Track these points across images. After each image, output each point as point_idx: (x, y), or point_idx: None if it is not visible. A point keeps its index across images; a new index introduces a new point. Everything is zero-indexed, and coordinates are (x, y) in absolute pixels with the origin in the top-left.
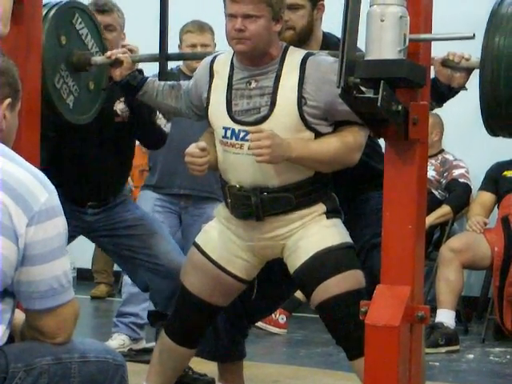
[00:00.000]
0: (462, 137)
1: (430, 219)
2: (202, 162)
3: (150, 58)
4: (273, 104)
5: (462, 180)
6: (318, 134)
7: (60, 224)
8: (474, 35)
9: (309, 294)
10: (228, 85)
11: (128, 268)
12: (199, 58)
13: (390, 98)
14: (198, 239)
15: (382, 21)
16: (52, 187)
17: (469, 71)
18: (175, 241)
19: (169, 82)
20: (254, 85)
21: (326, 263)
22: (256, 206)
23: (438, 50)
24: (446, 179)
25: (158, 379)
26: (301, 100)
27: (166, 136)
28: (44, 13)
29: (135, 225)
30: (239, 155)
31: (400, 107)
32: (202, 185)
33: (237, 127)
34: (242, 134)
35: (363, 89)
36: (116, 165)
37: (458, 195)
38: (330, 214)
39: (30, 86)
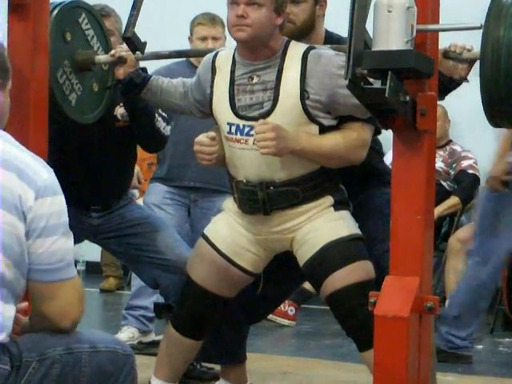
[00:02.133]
0: (470, 128)
1: (439, 210)
2: (210, 150)
3: (154, 56)
4: (276, 99)
5: (470, 171)
6: (323, 128)
7: (62, 202)
8: (481, 25)
9: (318, 286)
10: (230, 80)
11: (137, 267)
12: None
13: (397, 88)
14: (207, 231)
15: (390, 11)
16: (50, 169)
17: (471, 63)
18: (183, 233)
19: (172, 80)
20: (256, 80)
21: (334, 255)
22: (263, 200)
23: (445, 41)
24: (455, 170)
25: (166, 372)
26: (303, 94)
27: (166, 139)
28: (51, 8)
29: (140, 223)
30: (245, 150)
31: (408, 98)
32: (212, 177)
33: (241, 122)
34: (246, 129)
35: (371, 80)
36: (118, 169)
37: (467, 186)
38: (337, 206)
39: (37, 84)
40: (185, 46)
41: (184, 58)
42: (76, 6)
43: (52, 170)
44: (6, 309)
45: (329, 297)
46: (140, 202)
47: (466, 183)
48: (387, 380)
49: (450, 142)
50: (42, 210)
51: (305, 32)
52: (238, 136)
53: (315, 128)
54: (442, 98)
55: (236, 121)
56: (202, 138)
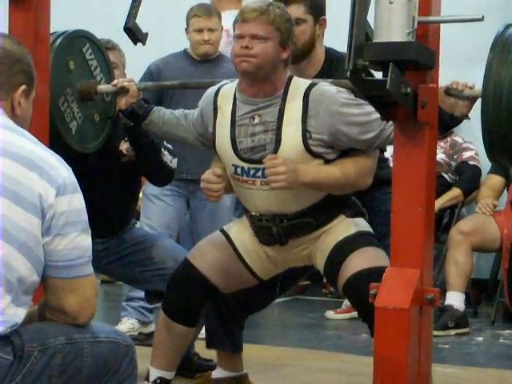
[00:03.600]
0: (471, 120)
1: (440, 202)
2: (217, 188)
3: (156, 86)
4: (278, 141)
5: (471, 162)
6: (326, 161)
7: (81, 200)
8: (482, 17)
9: (335, 281)
10: (231, 122)
11: (143, 285)
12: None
13: (398, 80)
14: (228, 228)
15: (391, 3)
16: (69, 167)
17: (472, 100)
18: (183, 224)
19: (174, 111)
20: (257, 120)
21: (345, 248)
22: (278, 234)
23: (447, 33)
24: (456, 162)
25: (161, 361)
26: (305, 134)
27: (173, 172)
28: (54, 37)
29: (140, 241)
30: (253, 190)
31: (409, 90)
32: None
33: (246, 165)
34: (252, 172)
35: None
36: (122, 202)
37: (468, 178)
38: (351, 216)
39: (38, 77)
40: (183, 37)
41: (182, 49)
42: (80, 35)
43: (70, 168)
44: (10, 306)
45: (344, 287)
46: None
47: (467, 174)
48: (387, 371)
49: (451, 133)
50: (62, 208)
51: (306, 52)
52: (245, 177)
53: (319, 162)
54: (442, 134)
55: (240, 163)
56: (209, 175)
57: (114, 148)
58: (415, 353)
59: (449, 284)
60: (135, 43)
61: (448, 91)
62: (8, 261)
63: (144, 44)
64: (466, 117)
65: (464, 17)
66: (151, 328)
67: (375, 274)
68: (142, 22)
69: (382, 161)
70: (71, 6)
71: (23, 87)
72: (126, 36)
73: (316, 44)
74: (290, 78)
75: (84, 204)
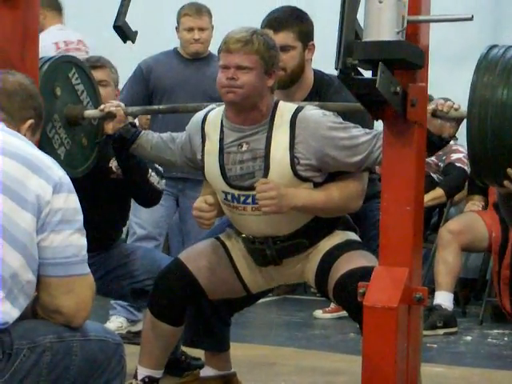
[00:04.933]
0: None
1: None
2: (210, 216)
3: (143, 111)
4: (266, 168)
5: (458, 164)
6: (315, 184)
7: (77, 202)
8: (472, 17)
9: (326, 288)
10: (219, 149)
11: (132, 298)
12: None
13: (388, 79)
14: (224, 238)
15: (381, 2)
16: (64, 170)
17: (458, 121)
18: (173, 223)
19: (162, 135)
20: (245, 147)
21: (333, 254)
22: (272, 256)
23: (437, 32)
24: (444, 163)
25: (148, 360)
26: (293, 160)
27: (161, 193)
28: (41, 63)
29: (127, 254)
30: (244, 215)
31: (398, 89)
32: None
33: (236, 192)
34: (242, 198)
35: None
36: (111, 218)
37: (452, 179)
38: (342, 228)
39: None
40: (173, 36)
41: (171, 48)
42: (66, 60)
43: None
44: (4, 302)
45: (334, 289)
46: None
47: (452, 176)
48: (376, 370)
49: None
50: (58, 205)
51: (295, 78)
52: (235, 204)
53: (309, 185)
54: (430, 155)
55: (230, 190)
56: (201, 204)
57: (104, 165)
58: (404, 352)
59: (438, 283)
60: (125, 41)
61: (434, 113)
62: (2, 256)
63: (134, 42)
64: (454, 137)
65: (453, 16)
66: (139, 326)
67: (364, 273)
68: (132, 20)
69: (370, 181)
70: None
71: (31, 121)
72: (115, 34)
73: (305, 69)
74: (277, 104)
75: (79, 205)
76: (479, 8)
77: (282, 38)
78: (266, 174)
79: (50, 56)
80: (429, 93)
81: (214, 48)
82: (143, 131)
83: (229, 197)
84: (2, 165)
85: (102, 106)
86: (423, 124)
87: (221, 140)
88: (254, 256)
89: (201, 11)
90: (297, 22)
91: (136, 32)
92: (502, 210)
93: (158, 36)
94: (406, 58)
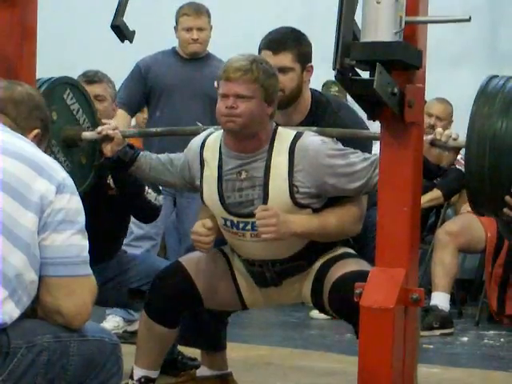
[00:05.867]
0: (460, 122)
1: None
2: (208, 240)
3: (141, 134)
4: (265, 197)
5: (455, 166)
6: (314, 210)
7: (80, 203)
8: (470, 18)
9: (321, 299)
10: (218, 176)
11: (129, 299)
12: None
13: (385, 80)
14: (227, 251)
15: (378, 2)
16: (66, 172)
17: (457, 150)
18: (169, 223)
19: (160, 156)
20: (244, 175)
21: (327, 264)
22: (271, 278)
23: (435, 33)
24: None
25: (144, 360)
26: (292, 188)
27: (159, 209)
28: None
29: (128, 260)
30: (243, 241)
31: (396, 90)
32: None
33: (235, 219)
34: (241, 225)
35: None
36: (110, 233)
37: (450, 180)
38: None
39: (25, 72)
40: (171, 35)
41: (170, 48)
42: (59, 83)
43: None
44: (8, 301)
45: (329, 294)
46: None
47: (449, 177)
48: (372, 370)
49: None
50: (61, 205)
51: (293, 99)
52: (235, 230)
53: (308, 211)
54: (428, 182)
55: (229, 217)
56: (199, 228)
57: (102, 182)
58: (400, 352)
59: (434, 284)
60: (122, 41)
61: (433, 143)
62: (5, 256)
63: (131, 42)
64: (452, 165)
65: (451, 17)
66: (136, 326)
67: (359, 276)
68: (130, 19)
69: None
70: (58, 4)
71: (37, 131)
72: (113, 33)
73: (303, 90)
74: (275, 131)
75: (82, 208)
76: (477, 9)
77: (280, 59)
78: (264, 203)
79: (43, 80)
80: (426, 93)
81: (212, 48)
82: (141, 153)
83: (228, 223)
84: (5, 164)
85: (99, 129)
86: (420, 124)
87: (219, 167)
88: (253, 277)
89: (199, 11)
90: (295, 44)
91: (134, 32)
92: (502, 231)
93: (155, 35)
94: (404, 58)
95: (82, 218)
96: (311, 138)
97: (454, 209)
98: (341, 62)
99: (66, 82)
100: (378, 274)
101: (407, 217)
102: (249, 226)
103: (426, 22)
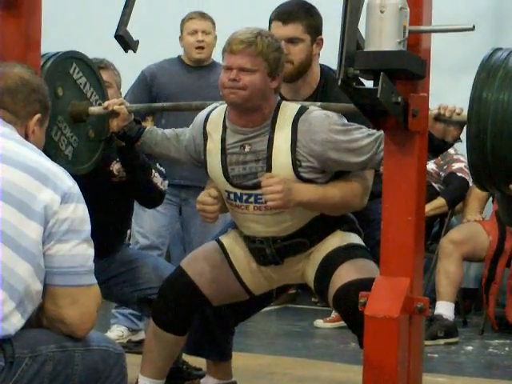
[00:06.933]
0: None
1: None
2: (213, 209)
3: (147, 108)
4: (269, 170)
5: (459, 174)
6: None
7: (85, 211)
8: (473, 27)
9: (326, 295)
10: (222, 149)
11: (138, 307)
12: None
13: (389, 89)
14: (223, 239)
15: (382, 12)
16: (73, 179)
17: (462, 124)
18: (174, 232)
19: (166, 131)
20: (247, 149)
21: (333, 259)
22: (272, 255)
23: (438, 42)
24: (445, 172)
25: (151, 369)
26: (295, 162)
27: (163, 194)
28: (41, 65)
29: (129, 260)
30: (246, 214)
31: (400, 99)
32: (203, 176)
33: (238, 191)
34: (244, 197)
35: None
36: (113, 224)
37: (454, 188)
38: (346, 230)
39: None
40: (176, 45)
41: (176, 56)
42: (65, 57)
43: (75, 180)
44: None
45: (334, 298)
46: None
47: (453, 185)
48: (377, 380)
49: None
50: (66, 214)
51: (302, 72)
52: (238, 203)
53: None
54: (435, 157)
55: (233, 189)
56: (204, 197)
57: (105, 168)
58: (405, 362)
59: (439, 293)
60: (126, 51)
61: (437, 117)
62: (12, 267)
63: (135, 51)
64: (458, 139)
65: (455, 26)
66: (140, 336)
67: (365, 284)
68: (133, 29)
69: (377, 176)
70: (63, 13)
71: (38, 116)
72: (117, 43)
73: (312, 63)
74: (279, 104)
75: (88, 215)
76: (481, 17)
77: (290, 29)
78: None
79: (48, 56)
80: (430, 102)
81: (217, 57)
82: (147, 128)
83: (231, 196)
84: (9, 175)
85: (105, 104)
86: (424, 134)
87: (223, 140)
88: (254, 255)
89: (204, 15)
90: (306, 15)
91: (137, 41)
92: (501, 214)
93: (159, 45)
94: (408, 68)
95: (87, 227)
96: (315, 113)
97: (458, 217)
98: (345, 72)
99: (71, 57)
100: (382, 283)
101: (411, 226)
102: (252, 199)
103: (429, 32)
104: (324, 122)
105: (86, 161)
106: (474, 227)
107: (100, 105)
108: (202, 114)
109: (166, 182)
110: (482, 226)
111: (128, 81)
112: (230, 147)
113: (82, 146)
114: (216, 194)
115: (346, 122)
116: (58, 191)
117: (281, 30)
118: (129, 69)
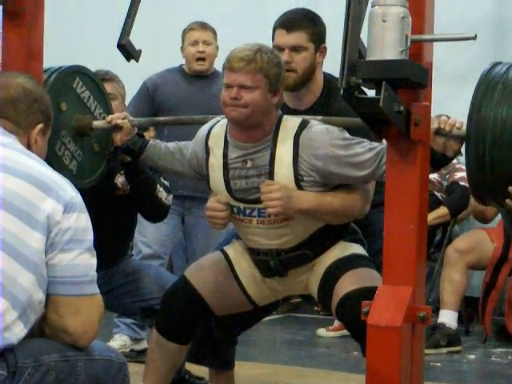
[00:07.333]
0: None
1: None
2: (223, 215)
3: (150, 123)
4: None
5: (462, 183)
6: None
7: (88, 221)
8: (475, 36)
9: (329, 304)
10: (224, 163)
11: (141, 317)
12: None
13: (391, 98)
14: (228, 249)
15: (384, 21)
16: (76, 190)
17: (462, 138)
18: (176, 242)
19: (169, 145)
20: (249, 164)
21: (337, 269)
22: (276, 267)
23: (440, 52)
24: (448, 181)
25: (153, 378)
26: (297, 177)
27: (168, 208)
28: (44, 80)
29: (131, 271)
30: (249, 228)
31: (402, 108)
32: (206, 186)
33: (241, 205)
34: (248, 211)
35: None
36: (116, 235)
37: (457, 198)
38: (348, 240)
39: None
40: (177, 54)
41: (177, 65)
42: (69, 72)
43: (77, 190)
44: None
45: (337, 307)
46: None
47: (456, 194)
48: None
49: None
50: (69, 224)
51: (305, 80)
52: (241, 216)
53: None
54: (436, 171)
55: (236, 203)
56: (214, 203)
57: (109, 181)
58: (407, 370)
59: (443, 302)
60: (128, 60)
61: (437, 132)
62: (15, 277)
63: (137, 61)
64: (459, 153)
65: (457, 35)
66: (143, 345)
67: (368, 293)
68: (136, 39)
69: (379, 185)
70: (65, 23)
71: (40, 126)
72: (119, 53)
73: (315, 72)
74: (280, 119)
75: (91, 225)
76: (482, 26)
77: (294, 38)
78: None
79: (51, 71)
80: (432, 111)
81: (219, 67)
82: (150, 142)
83: (235, 209)
84: (12, 185)
85: (109, 118)
86: (426, 143)
87: (225, 155)
88: (259, 267)
89: (205, 26)
90: (310, 24)
91: (140, 51)
92: (506, 226)
93: (161, 55)
94: (410, 77)
95: (90, 236)
96: (316, 128)
97: (461, 226)
98: (347, 81)
99: (75, 71)
100: (384, 292)
101: (414, 234)
102: (255, 213)
103: (431, 41)
104: (325, 136)
105: (90, 174)
106: (480, 235)
107: (104, 118)
108: (204, 129)
109: (171, 196)
110: (488, 234)
111: (130, 90)
112: (232, 162)
113: (86, 160)
114: (225, 201)
115: (347, 136)
116: (60, 201)
117: (284, 38)
118: (130, 77)
